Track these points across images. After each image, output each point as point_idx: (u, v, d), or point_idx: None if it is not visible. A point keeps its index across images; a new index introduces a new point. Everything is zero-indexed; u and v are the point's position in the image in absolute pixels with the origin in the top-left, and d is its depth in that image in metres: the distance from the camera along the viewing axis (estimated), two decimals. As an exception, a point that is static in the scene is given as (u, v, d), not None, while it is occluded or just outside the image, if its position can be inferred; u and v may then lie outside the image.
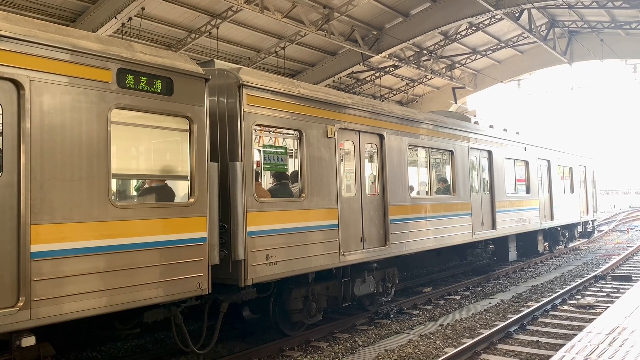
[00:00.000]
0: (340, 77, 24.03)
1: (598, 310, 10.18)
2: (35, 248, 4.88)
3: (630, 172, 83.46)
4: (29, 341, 4.97)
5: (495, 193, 13.70)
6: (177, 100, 6.20)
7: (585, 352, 6.09)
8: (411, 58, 23.83)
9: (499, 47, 25.45)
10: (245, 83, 7.15)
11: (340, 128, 8.73)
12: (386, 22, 20.76)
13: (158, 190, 6.51)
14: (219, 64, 7.91)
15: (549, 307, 10.57)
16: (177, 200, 6.57)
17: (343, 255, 8.50)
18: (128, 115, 5.96)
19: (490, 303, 11.29)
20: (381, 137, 9.71)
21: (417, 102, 29.88)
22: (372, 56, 21.60)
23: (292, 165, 8.94)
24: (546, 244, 18.53)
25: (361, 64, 22.73)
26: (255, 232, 7.10)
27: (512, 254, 15.68)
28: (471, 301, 11.63)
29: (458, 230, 11.84)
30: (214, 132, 7.02)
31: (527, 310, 9.95)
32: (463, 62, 26.35)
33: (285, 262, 7.49)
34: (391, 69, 25.52)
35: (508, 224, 14.34)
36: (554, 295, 11.39)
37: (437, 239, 11.10)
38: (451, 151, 12.02)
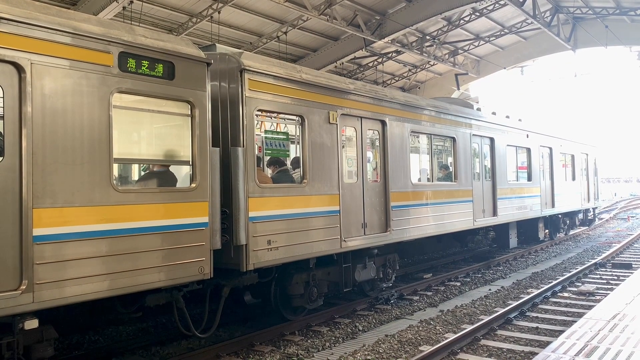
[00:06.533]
0: (343, 63, 23.88)
1: (598, 298, 10.22)
2: (37, 232, 4.88)
3: (632, 160, 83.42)
4: (32, 324, 5.00)
5: (496, 180, 13.68)
6: (179, 84, 6.17)
7: (585, 338, 6.12)
8: (414, 44, 23.66)
9: (502, 33, 25.24)
10: (247, 68, 7.10)
11: (342, 114, 8.69)
12: (389, 7, 20.58)
13: (160, 175, 6.51)
14: (221, 48, 7.87)
15: (549, 294, 10.61)
16: (179, 185, 6.57)
17: (344, 241, 8.52)
18: (129, 100, 5.93)
19: (490, 289, 11.33)
20: (383, 123, 9.67)
21: (419, 88, 29.74)
22: (375, 41, 21.44)
23: (293, 151, 8.92)
24: (547, 231, 18.56)
25: (364, 50, 22.57)
26: (257, 217, 7.10)
27: (513, 241, 15.72)
28: (471, 287, 11.67)
29: (459, 217, 11.85)
30: (216, 117, 6.99)
31: (527, 297, 10.00)
32: (466, 48, 26.14)
33: (286, 247, 7.51)
34: (394, 54, 25.35)
35: (509, 211, 14.35)
36: (554, 282, 11.43)
37: (438, 226, 11.11)
38: (453, 138, 11.98)
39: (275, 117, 8.18)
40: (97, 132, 5.39)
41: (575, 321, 7.27)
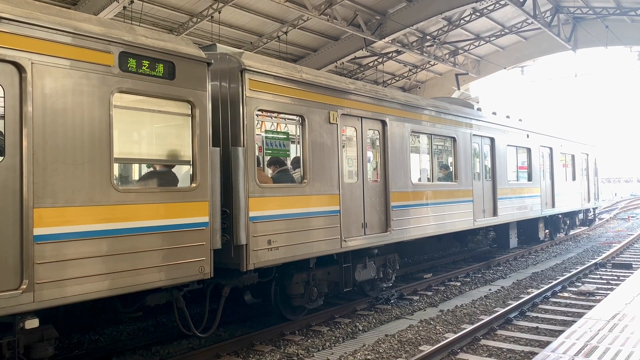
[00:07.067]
0: (343, 63, 23.88)
1: (598, 298, 10.22)
2: (38, 231, 4.88)
3: (632, 160, 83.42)
4: (33, 323, 5.01)
5: (497, 180, 13.69)
6: (179, 84, 6.17)
7: (585, 338, 6.13)
8: (414, 44, 23.65)
9: (502, 33, 25.23)
10: (248, 68, 7.11)
11: (342, 114, 8.70)
12: (389, 6, 20.58)
13: (162, 175, 6.52)
14: (221, 48, 7.87)
15: (549, 294, 10.61)
16: (179, 185, 6.58)
17: (344, 240, 8.52)
18: (130, 99, 5.94)
19: (490, 289, 11.34)
20: (383, 123, 9.68)
21: (419, 88, 29.74)
22: (375, 41, 21.43)
23: (294, 151, 8.93)
24: (547, 231, 18.56)
25: (364, 50, 22.56)
26: (257, 217, 7.11)
27: (513, 241, 15.72)
28: (471, 287, 11.68)
29: (459, 217, 11.85)
30: (216, 116, 6.99)
31: (527, 297, 10.00)
32: (466, 48, 26.14)
33: (286, 247, 7.51)
34: (394, 54, 25.34)
35: (509, 211, 14.36)
36: (554, 282, 11.44)
37: (438, 226, 11.12)
38: (453, 138, 11.98)
39: (275, 117, 8.19)
40: (98, 132, 5.40)
41: (575, 321, 7.27)
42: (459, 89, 24.12)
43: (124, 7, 15.49)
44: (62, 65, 5.17)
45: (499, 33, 25.26)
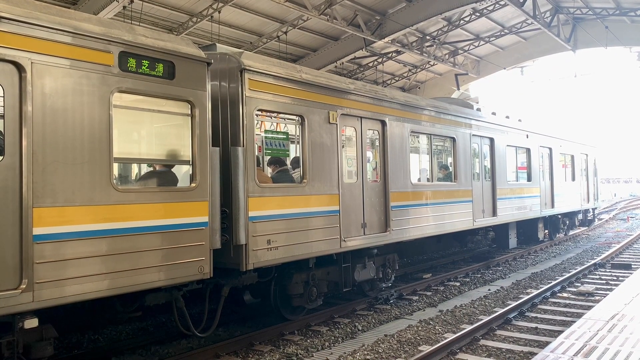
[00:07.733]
0: (343, 63, 23.88)
1: (597, 298, 10.23)
2: (37, 231, 4.88)
3: (632, 160, 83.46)
4: (32, 323, 5.01)
5: (496, 180, 13.70)
6: (179, 84, 6.17)
7: (584, 338, 6.13)
8: (414, 44, 23.66)
9: (502, 33, 25.24)
10: (248, 67, 7.11)
11: (342, 114, 8.70)
12: (389, 7, 20.59)
13: (162, 175, 6.52)
14: (221, 48, 7.87)
15: (548, 294, 10.62)
16: (179, 185, 6.58)
17: (344, 240, 8.52)
18: (130, 99, 5.94)
19: (489, 290, 11.34)
20: (383, 123, 9.68)
21: (419, 88, 29.74)
22: (375, 41, 21.44)
23: (293, 151, 8.93)
24: (546, 231, 18.57)
25: (364, 50, 22.56)
26: (257, 217, 7.11)
27: (512, 241, 15.72)
28: (471, 288, 11.68)
29: (459, 217, 11.85)
30: (216, 116, 6.99)
31: (526, 297, 10.00)
32: (466, 48, 26.14)
33: (286, 247, 7.51)
34: (394, 54, 25.34)
35: (509, 212, 14.36)
36: (554, 282, 11.44)
37: (437, 226, 11.12)
38: (453, 138, 11.99)
39: (275, 117, 8.19)
40: (98, 132, 5.40)
41: (574, 321, 7.28)
42: (458, 89, 24.12)
43: (124, 7, 15.49)
44: (62, 64, 5.17)
45: (498, 33, 25.27)
